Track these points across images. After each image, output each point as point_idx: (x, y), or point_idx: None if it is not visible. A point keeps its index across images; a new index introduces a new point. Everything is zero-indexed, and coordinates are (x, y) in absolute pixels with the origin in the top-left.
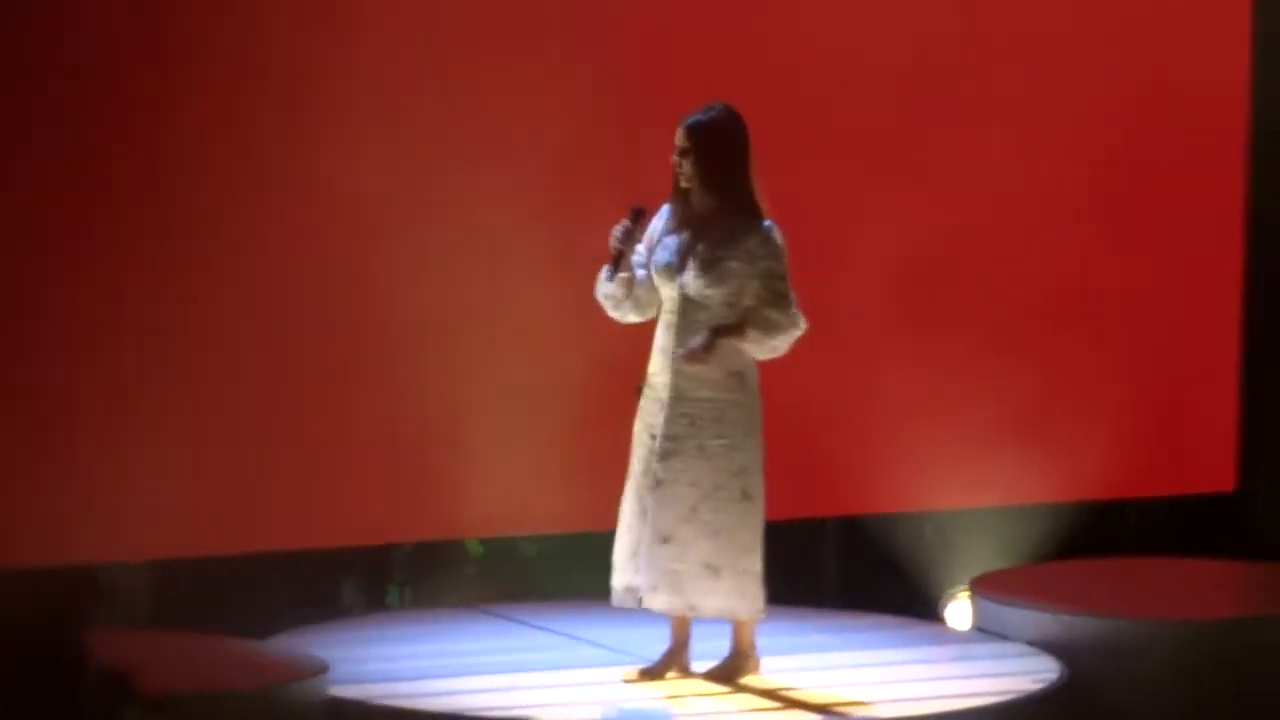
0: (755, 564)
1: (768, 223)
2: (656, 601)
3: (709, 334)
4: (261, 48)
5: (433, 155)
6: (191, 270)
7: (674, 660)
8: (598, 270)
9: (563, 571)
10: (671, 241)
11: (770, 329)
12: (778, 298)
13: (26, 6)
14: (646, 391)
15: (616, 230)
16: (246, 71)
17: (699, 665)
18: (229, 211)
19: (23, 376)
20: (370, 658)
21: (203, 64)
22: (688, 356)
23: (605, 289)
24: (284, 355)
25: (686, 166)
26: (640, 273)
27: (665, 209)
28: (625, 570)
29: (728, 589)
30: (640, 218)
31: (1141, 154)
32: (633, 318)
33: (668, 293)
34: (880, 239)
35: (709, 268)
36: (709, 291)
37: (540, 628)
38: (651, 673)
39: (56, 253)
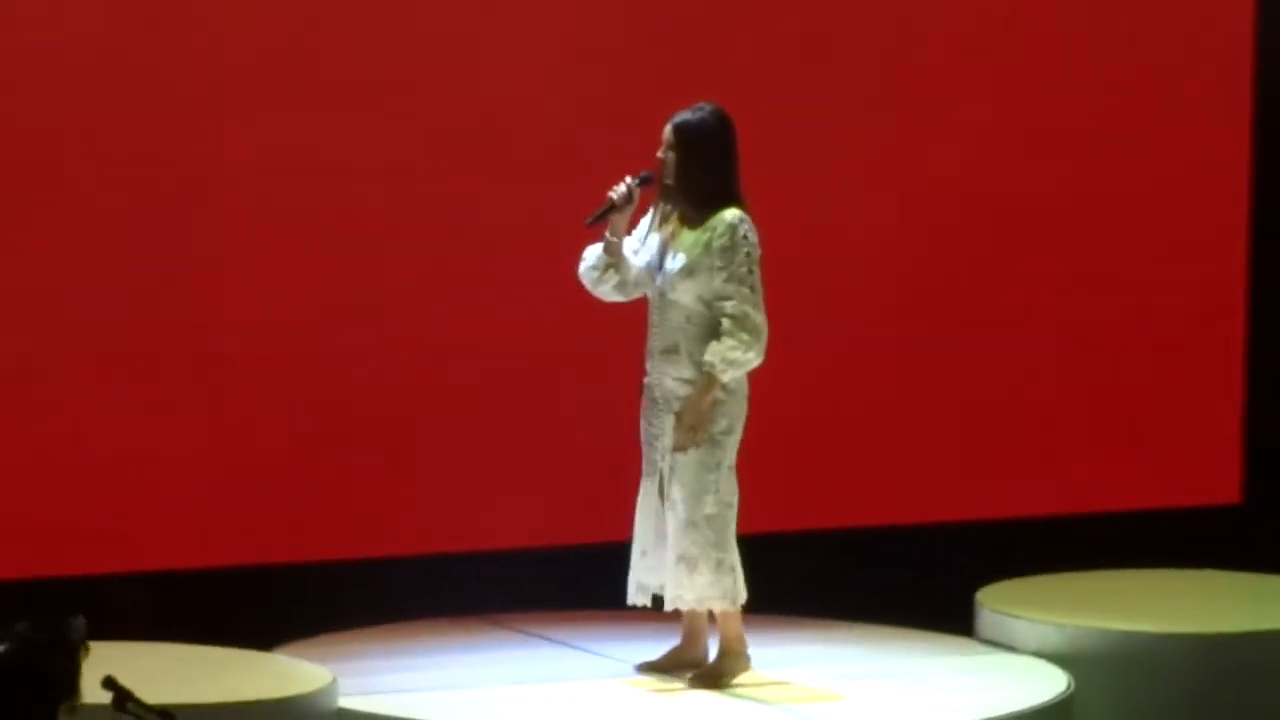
0: (729, 556)
1: (739, 220)
2: (645, 597)
3: (690, 414)
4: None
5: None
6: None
7: (680, 654)
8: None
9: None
10: (654, 241)
11: (736, 365)
12: (740, 316)
13: None
14: (645, 390)
15: (620, 186)
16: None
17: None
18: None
19: None
20: (375, 669)
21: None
22: (680, 446)
23: (589, 260)
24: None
25: (670, 163)
26: (629, 254)
27: (653, 209)
28: (637, 568)
29: (703, 581)
30: (647, 183)
31: (1143, 159)
32: (614, 295)
33: (650, 292)
34: (877, 243)
35: (681, 268)
36: (681, 288)
37: (547, 639)
38: (655, 666)
39: None
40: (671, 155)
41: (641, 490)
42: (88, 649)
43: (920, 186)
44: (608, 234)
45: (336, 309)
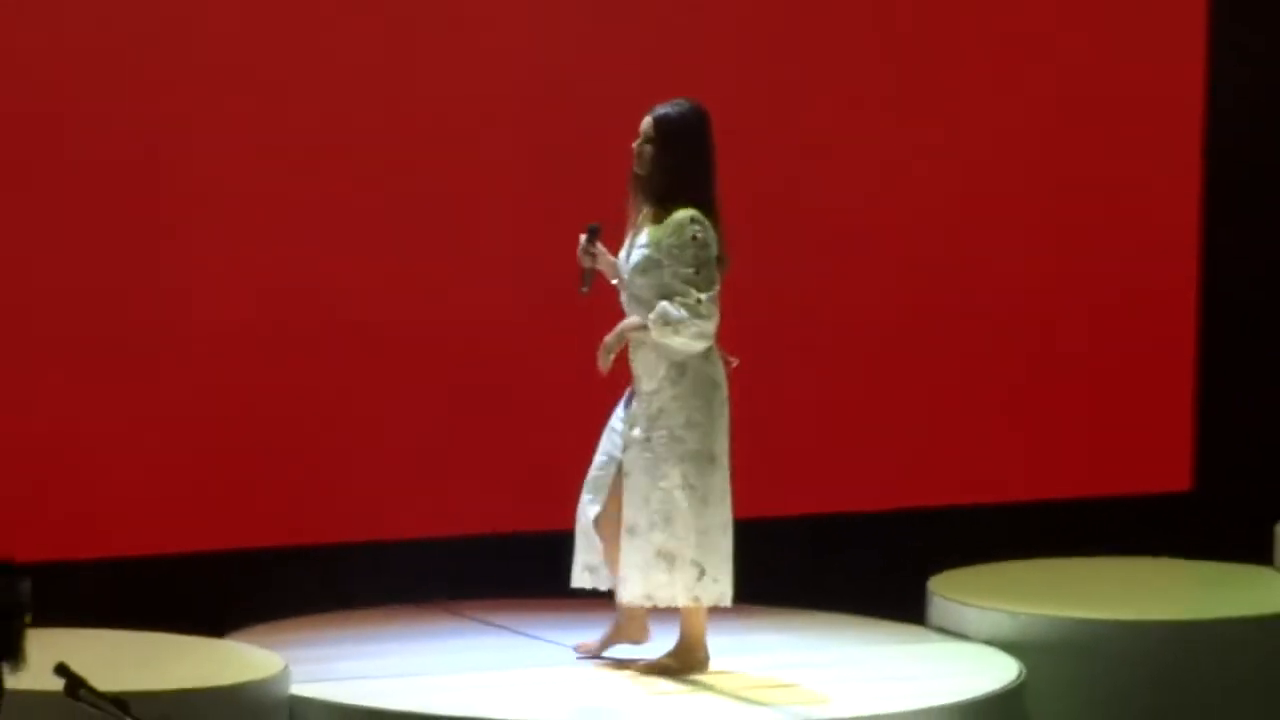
0: (704, 553)
1: (689, 219)
2: (624, 593)
3: (618, 329)
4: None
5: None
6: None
7: (618, 635)
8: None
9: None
10: (629, 238)
11: (667, 325)
12: (683, 291)
13: None
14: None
15: (579, 248)
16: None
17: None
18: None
19: None
20: (328, 656)
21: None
22: (602, 358)
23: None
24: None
25: (646, 154)
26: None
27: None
28: (583, 550)
29: (680, 577)
30: (596, 235)
31: (1096, 158)
32: None
33: (621, 289)
34: (837, 236)
35: (635, 265)
36: (638, 284)
37: (500, 626)
38: (594, 647)
39: None
40: (648, 148)
41: (589, 475)
42: (30, 615)
43: (876, 181)
44: (610, 280)
45: (292, 297)
